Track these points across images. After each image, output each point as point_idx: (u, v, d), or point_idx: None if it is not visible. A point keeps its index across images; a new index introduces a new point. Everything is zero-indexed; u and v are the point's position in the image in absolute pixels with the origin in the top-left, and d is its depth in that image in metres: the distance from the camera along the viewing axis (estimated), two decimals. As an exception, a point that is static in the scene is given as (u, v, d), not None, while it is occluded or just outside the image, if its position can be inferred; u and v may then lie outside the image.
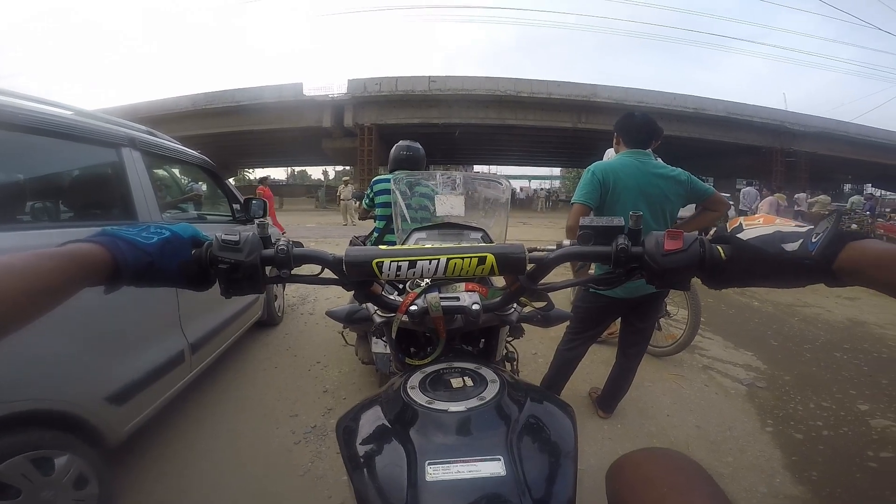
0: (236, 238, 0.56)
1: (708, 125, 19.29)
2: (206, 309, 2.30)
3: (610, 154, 2.84)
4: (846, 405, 2.45)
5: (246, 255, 0.56)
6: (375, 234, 2.52)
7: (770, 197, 9.86)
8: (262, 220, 0.63)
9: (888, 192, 26.50)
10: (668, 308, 3.04)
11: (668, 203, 1.89)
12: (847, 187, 28.21)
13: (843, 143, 20.79)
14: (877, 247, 0.46)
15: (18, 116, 1.38)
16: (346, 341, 2.43)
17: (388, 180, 2.48)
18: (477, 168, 38.30)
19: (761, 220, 0.54)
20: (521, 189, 38.66)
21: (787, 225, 0.52)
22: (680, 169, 1.94)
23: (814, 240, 0.49)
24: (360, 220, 2.88)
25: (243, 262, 0.56)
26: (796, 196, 13.06)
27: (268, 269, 0.60)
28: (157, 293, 1.84)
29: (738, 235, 0.54)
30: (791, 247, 0.50)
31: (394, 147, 2.60)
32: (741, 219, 0.56)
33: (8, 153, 1.47)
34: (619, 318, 2.17)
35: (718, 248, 0.55)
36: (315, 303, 4.33)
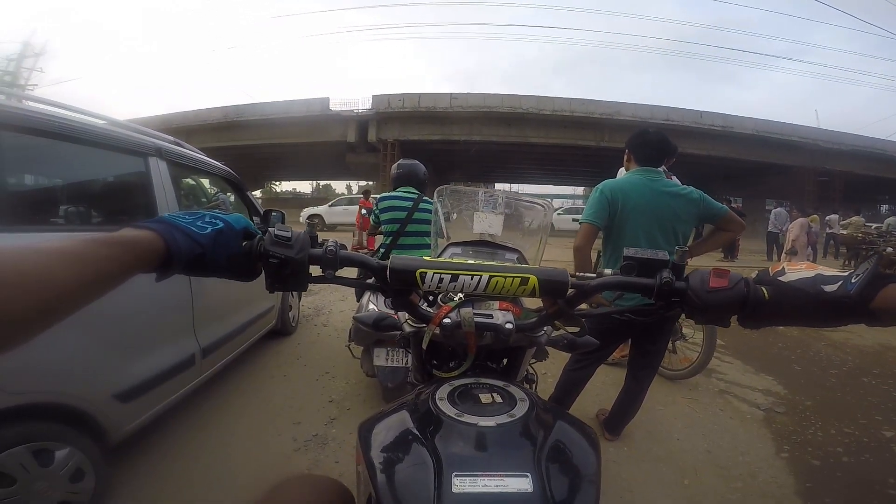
0: (289, 234, 0.57)
1: (737, 144, 18.83)
2: (221, 315, 2.35)
3: (622, 173, 2.82)
4: (870, 431, 2.34)
5: (297, 251, 0.57)
6: (382, 250, 2.56)
7: (801, 219, 9.50)
8: (311, 220, 0.64)
9: (930, 215, 25.20)
10: (684, 331, 2.97)
11: (679, 223, 1.84)
12: (884, 208, 26.98)
13: (879, 162, 19.91)
14: None
15: (55, 124, 1.46)
16: (353, 354, 2.46)
17: (393, 197, 2.54)
18: (498, 186, 38.29)
19: (804, 266, 0.56)
20: (544, 207, 38.25)
21: (830, 270, 0.54)
22: (692, 187, 1.89)
23: (853, 280, 0.50)
24: (369, 236, 2.93)
25: (293, 258, 0.56)
26: (828, 217, 12.53)
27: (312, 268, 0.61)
28: (173, 296, 1.91)
29: (780, 279, 0.55)
30: (831, 288, 0.51)
31: (393, 166, 2.70)
32: (784, 263, 0.58)
33: (39, 158, 1.56)
34: (630, 340, 2.12)
35: (762, 288, 0.55)
36: (329, 315, 4.39)
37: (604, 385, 2.76)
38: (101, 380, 1.51)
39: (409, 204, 2.50)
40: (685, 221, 1.85)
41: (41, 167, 1.69)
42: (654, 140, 1.93)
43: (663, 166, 2.97)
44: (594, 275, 0.66)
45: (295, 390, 2.65)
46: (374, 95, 18.62)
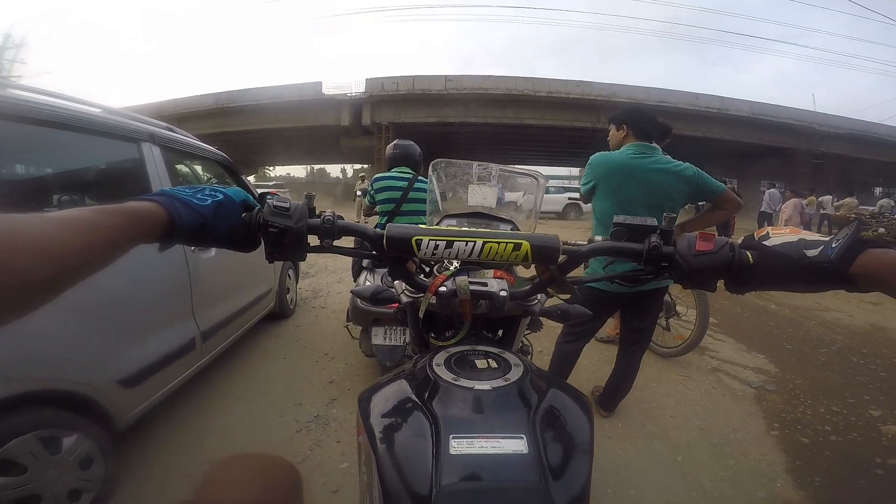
0: (287, 204, 0.60)
1: (732, 126, 18.76)
2: (219, 298, 2.36)
3: None
4: (858, 410, 2.39)
5: (295, 221, 0.59)
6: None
7: (794, 199, 9.57)
8: (308, 193, 0.66)
9: (922, 197, 25.34)
10: (678, 308, 3.01)
11: (668, 199, 1.83)
12: (878, 190, 27.13)
13: (874, 146, 19.95)
14: None
15: (47, 113, 1.44)
16: (352, 335, 2.48)
17: (388, 178, 2.54)
18: (494, 168, 37.97)
19: (788, 230, 0.57)
20: (540, 189, 38.22)
21: (812, 235, 0.55)
22: (688, 164, 1.87)
23: (833, 245, 0.51)
24: (365, 216, 2.94)
25: (292, 227, 0.58)
26: (821, 199, 12.65)
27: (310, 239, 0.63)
28: (172, 281, 1.92)
29: (765, 243, 0.57)
30: (812, 252, 0.52)
31: (388, 147, 2.71)
32: (769, 228, 0.59)
33: (33, 147, 1.55)
34: (620, 317, 2.16)
35: (747, 252, 0.57)
36: (327, 296, 4.40)
37: (598, 362, 2.81)
38: (104, 365, 1.51)
39: (404, 184, 2.51)
40: (675, 199, 1.84)
41: (35, 156, 1.68)
42: (651, 115, 1.95)
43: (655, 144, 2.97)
44: (584, 242, 0.69)
45: (295, 372, 2.67)
46: (367, 79, 18.32)
